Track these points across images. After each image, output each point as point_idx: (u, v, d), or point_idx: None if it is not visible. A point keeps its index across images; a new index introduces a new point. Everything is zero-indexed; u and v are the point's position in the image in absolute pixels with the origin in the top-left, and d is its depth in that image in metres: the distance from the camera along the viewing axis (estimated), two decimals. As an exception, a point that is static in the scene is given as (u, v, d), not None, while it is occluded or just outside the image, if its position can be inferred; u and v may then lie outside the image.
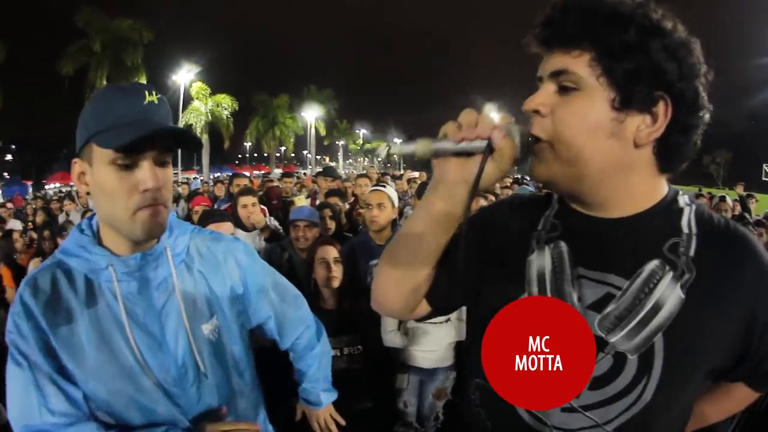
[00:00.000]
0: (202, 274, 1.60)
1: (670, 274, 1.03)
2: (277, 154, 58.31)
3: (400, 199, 5.13)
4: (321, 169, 10.31)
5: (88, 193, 1.42)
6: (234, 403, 1.65)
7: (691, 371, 1.06)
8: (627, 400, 1.04)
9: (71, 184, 42.45)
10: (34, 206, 14.32)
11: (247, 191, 5.08)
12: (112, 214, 1.38)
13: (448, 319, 3.50)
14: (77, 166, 1.40)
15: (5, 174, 70.30)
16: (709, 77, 1.02)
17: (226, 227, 3.31)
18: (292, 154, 66.75)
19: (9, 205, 15.10)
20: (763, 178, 39.94)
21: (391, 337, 3.47)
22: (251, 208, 4.78)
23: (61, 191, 29.26)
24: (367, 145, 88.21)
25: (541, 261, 1.13)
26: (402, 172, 18.62)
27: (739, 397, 1.29)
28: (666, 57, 0.97)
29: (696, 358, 1.04)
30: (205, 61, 39.65)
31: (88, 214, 1.60)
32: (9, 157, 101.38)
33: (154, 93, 1.37)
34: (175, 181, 24.99)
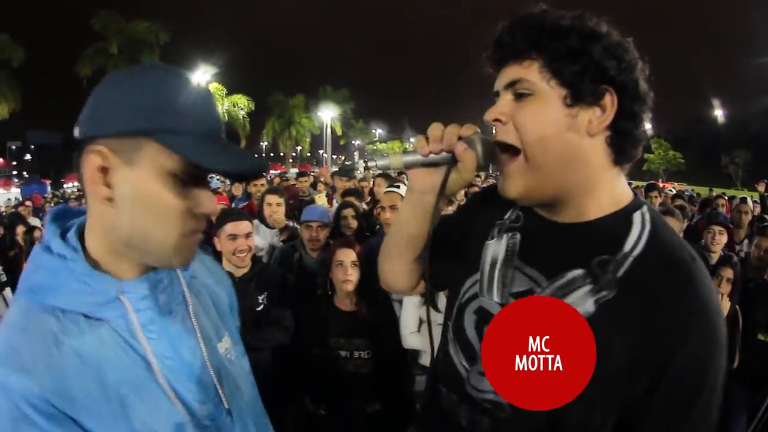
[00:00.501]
0: (207, 293, 1.37)
1: (589, 287, 1.08)
2: (293, 154, 58.48)
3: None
4: (336, 169, 10.31)
5: (110, 199, 0.99)
6: (259, 423, 1.42)
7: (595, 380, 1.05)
8: None
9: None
10: (52, 204, 14.48)
11: (274, 190, 5.23)
12: (150, 236, 1.02)
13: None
14: (99, 157, 0.96)
15: (24, 173, 71.29)
16: (646, 70, 1.14)
17: (244, 225, 3.33)
18: (308, 154, 67.00)
19: (28, 203, 15.36)
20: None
21: (410, 339, 3.44)
22: (275, 207, 4.92)
23: (79, 190, 29.75)
24: (380, 145, 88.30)
25: (496, 248, 1.27)
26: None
27: None
28: (606, 56, 1.08)
29: (599, 369, 1.03)
30: (221, 62, 40.01)
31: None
32: (28, 156, 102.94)
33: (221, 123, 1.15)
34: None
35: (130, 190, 0.98)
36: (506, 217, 1.31)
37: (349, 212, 4.76)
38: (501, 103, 1.16)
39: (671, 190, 14.93)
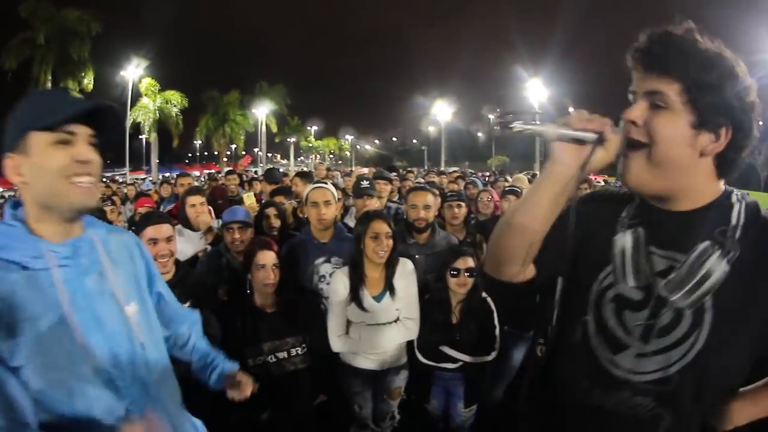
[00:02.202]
0: (121, 262, 1.78)
1: (718, 252, 1.35)
2: (228, 153, 57.42)
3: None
4: (268, 168, 10.16)
5: (24, 183, 1.53)
6: (164, 382, 1.83)
7: (734, 327, 1.37)
8: (684, 347, 1.39)
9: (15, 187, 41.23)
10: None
11: (194, 191, 5.05)
12: (50, 187, 1.52)
13: (397, 319, 3.50)
14: (11, 161, 1.52)
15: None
16: (760, 112, 1.38)
17: (165, 229, 3.23)
18: (243, 152, 65.93)
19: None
20: None
21: (338, 342, 3.45)
22: (199, 208, 4.75)
23: (3, 196, 28.39)
24: (315, 142, 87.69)
25: (623, 240, 1.50)
26: (352, 168, 19.11)
27: None
28: (735, 97, 1.32)
29: (738, 316, 1.36)
30: (154, 55, 38.68)
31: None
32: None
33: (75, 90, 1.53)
34: (123, 182, 24.51)
35: (31, 169, 1.51)
36: (623, 215, 1.54)
37: (271, 211, 4.65)
38: (639, 108, 1.39)
39: (599, 182, 15.50)
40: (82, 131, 1.56)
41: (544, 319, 4.19)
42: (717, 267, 1.35)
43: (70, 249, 1.59)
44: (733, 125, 1.34)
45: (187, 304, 3.22)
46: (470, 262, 3.58)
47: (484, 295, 3.68)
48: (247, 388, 2.23)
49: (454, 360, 3.57)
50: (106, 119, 1.62)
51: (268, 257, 3.28)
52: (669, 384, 1.41)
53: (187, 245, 4.40)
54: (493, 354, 3.61)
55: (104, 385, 1.57)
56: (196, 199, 4.78)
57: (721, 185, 1.45)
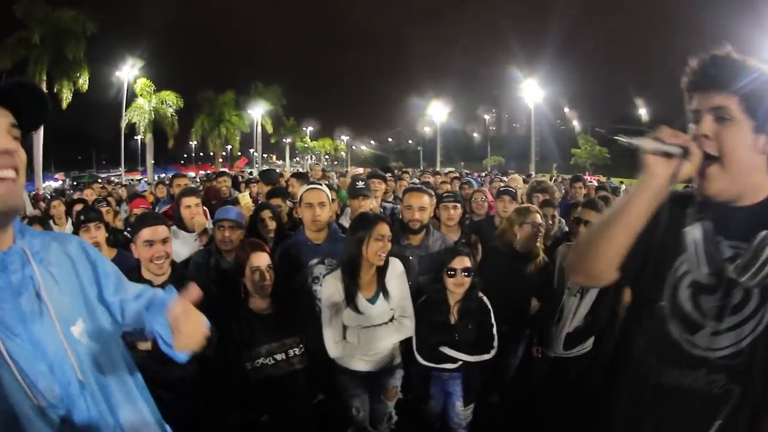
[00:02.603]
0: (61, 275, 1.51)
1: None
2: (224, 153, 57.36)
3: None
4: (264, 169, 10.08)
5: None
6: (122, 411, 1.57)
7: None
8: (754, 321, 1.61)
9: None
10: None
11: (189, 192, 5.03)
12: None
13: (392, 319, 3.51)
14: None
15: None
16: None
17: (161, 230, 3.22)
18: (239, 153, 65.79)
19: None
20: None
21: (336, 348, 3.44)
22: (194, 209, 4.73)
23: None
24: (311, 142, 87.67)
25: (695, 232, 1.68)
26: (347, 169, 19.26)
27: None
28: None
29: None
30: (149, 55, 38.65)
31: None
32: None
33: None
34: (117, 183, 24.48)
35: None
36: (689, 210, 1.72)
37: (266, 214, 4.63)
38: (706, 124, 1.61)
39: (591, 182, 15.62)
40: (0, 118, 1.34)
41: (539, 321, 4.27)
42: None
43: None
44: None
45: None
46: (467, 262, 3.59)
47: (480, 294, 3.69)
48: (193, 292, 1.67)
49: (454, 360, 3.58)
50: (31, 101, 1.42)
51: (261, 259, 3.27)
52: (741, 356, 1.63)
53: (183, 247, 4.39)
54: (492, 353, 3.62)
55: (50, 426, 1.34)
56: (191, 200, 4.75)
57: None
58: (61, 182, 44.85)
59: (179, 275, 3.34)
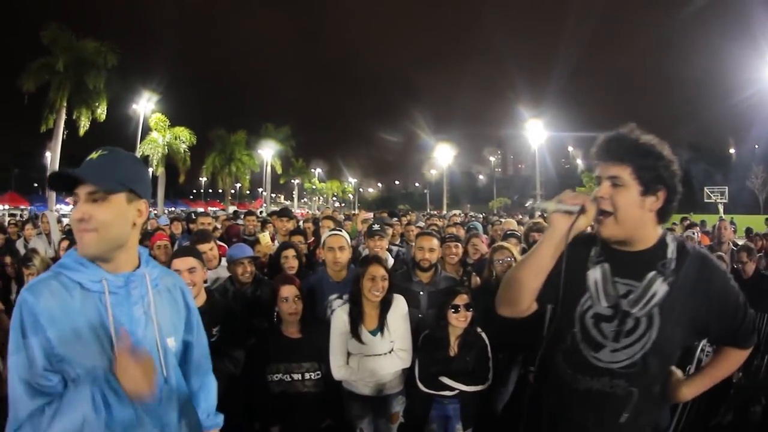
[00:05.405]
0: (167, 301, 2.08)
1: (661, 278, 2.02)
2: (232, 191, 57.55)
3: (353, 238, 5.69)
4: (277, 209, 10.33)
5: None
6: (185, 411, 2.10)
7: (674, 325, 2.05)
8: (643, 341, 2.05)
9: (22, 206, 41.07)
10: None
11: (203, 238, 5.28)
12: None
13: (392, 350, 3.93)
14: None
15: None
16: (681, 175, 2.08)
17: (186, 261, 3.65)
18: (248, 191, 66.16)
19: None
20: (705, 200, 43.02)
21: (340, 372, 3.85)
22: (209, 254, 5.04)
23: (12, 214, 28.36)
24: (319, 185, 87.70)
25: (596, 273, 2.12)
26: (355, 211, 19.66)
27: (732, 356, 2.26)
28: (665, 171, 2.03)
29: (675, 318, 2.04)
30: (164, 89, 39.27)
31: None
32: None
33: (99, 151, 1.89)
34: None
35: None
36: (592, 254, 2.16)
37: (290, 253, 5.18)
38: (605, 188, 2.06)
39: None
40: (82, 191, 1.83)
41: (534, 350, 4.58)
42: (660, 288, 2.01)
43: (123, 280, 1.90)
44: (666, 188, 2.04)
45: (216, 329, 3.67)
46: (467, 299, 4.01)
47: (478, 329, 4.09)
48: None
49: (452, 388, 3.95)
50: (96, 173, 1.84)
51: (290, 291, 3.81)
52: (635, 366, 2.07)
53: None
54: (487, 383, 4.00)
55: (131, 405, 1.84)
56: (205, 247, 4.99)
57: (660, 230, 2.14)
58: (72, 206, 44.63)
59: (214, 302, 3.85)
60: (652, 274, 2.03)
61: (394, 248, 6.97)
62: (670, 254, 2.07)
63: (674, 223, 15.21)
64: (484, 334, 4.12)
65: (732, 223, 12.53)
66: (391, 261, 5.65)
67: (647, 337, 2.05)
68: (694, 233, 9.32)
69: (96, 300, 1.83)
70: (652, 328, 2.05)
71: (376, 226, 5.56)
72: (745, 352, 2.26)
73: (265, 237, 6.61)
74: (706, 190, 44.12)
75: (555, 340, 2.27)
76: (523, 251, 5.25)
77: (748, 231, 14.20)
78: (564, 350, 2.24)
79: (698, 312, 2.07)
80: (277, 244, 6.51)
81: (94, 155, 1.87)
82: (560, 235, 2.08)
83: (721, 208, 36.28)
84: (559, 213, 2.08)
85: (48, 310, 1.73)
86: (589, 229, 2.24)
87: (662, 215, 2.09)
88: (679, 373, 2.29)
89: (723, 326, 2.13)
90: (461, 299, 4.02)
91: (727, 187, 43.58)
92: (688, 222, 11.67)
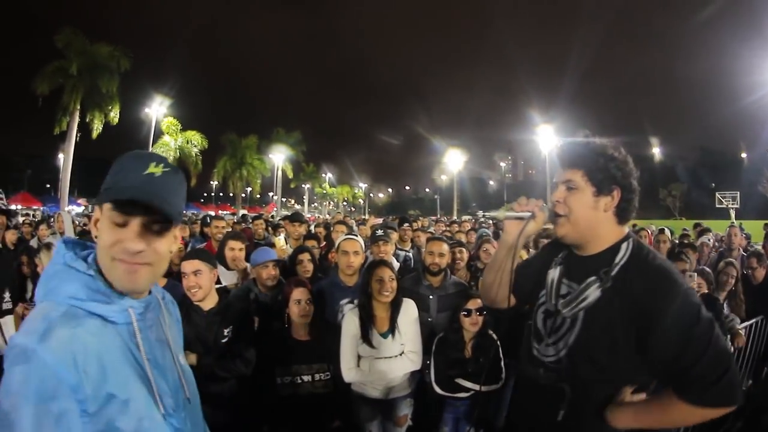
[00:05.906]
0: (172, 319, 1.93)
1: (597, 283, 2.05)
2: (243, 195, 57.70)
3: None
4: (289, 213, 10.44)
5: (97, 238, 1.57)
6: (204, 428, 2.00)
7: (602, 333, 1.99)
8: (564, 340, 2.11)
9: (35, 207, 41.30)
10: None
11: (236, 236, 5.64)
12: (101, 258, 1.55)
13: (402, 353, 3.96)
14: (96, 212, 1.59)
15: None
16: (637, 174, 2.15)
17: (192, 264, 3.68)
18: (258, 195, 66.28)
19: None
20: (717, 206, 42.74)
21: (350, 374, 3.88)
22: (238, 253, 5.37)
23: (27, 214, 28.37)
24: (330, 189, 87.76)
25: (553, 273, 2.26)
26: (365, 217, 19.66)
27: (675, 406, 1.88)
28: (617, 171, 2.09)
29: (604, 325, 1.99)
30: (176, 93, 39.52)
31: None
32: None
33: (160, 165, 1.58)
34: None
35: (99, 232, 1.56)
36: (559, 256, 2.29)
37: (305, 257, 5.26)
38: (560, 192, 2.15)
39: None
40: (136, 220, 1.53)
41: None
42: (593, 293, 2.04)
43: (144, 305, 1.64)
44: (621, 187, 2.09)
45: (228, 330, 3.71)
46: (479, 303, 4.07)
47: (490, 331, 4.16)
48: None
49: (467, 389, 4.01)
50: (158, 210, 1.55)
51: (302, 294, 3.87)
52: (561, 363, 2.12)
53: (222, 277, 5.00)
54: (501, 382, 4.06)
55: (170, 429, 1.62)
56: (236, 244, 5.39)
57: (624, 229, 2.17)
58: (83, 208, 45.64)
59: (227, 303, 3.88)
60: (591, 279, 2.08)
61: (402, 253, 7.06)
62: (617, 259, 2.05)
63: (684, 229, 15.30)
64: (495, 336, 4.19)
65: (742, 229, 12.28)
66: (396, 265, 5.70)
67: (567, 337, 2.12)
68: (709, 240, 9.28)
69: (121, 333, 1.55)
70: (573, 330, 2.10)
71: (379, 232, 5.70)
72: (693, 409, 1.83)
73: (280, 241, 6.70)
74: (717, 195, 43.82)
75: (526, 331, 2.43)
76: None
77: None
78: (523, 340, 2.40)
79: (637, 329, 1.90)
80: (290, 248, 6.58)
81: (155, 169, 1.57)
82: (511, 239, 2.30)
83: (732, 213, 36.02)
84: (511, 219, 2.28)
85: (75, 366, 1.37)
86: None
87: (621, 214, 2.13)
88: (627, 393, 2.03)
89: (665, 357, 1.85)
90: (474, 303, 4.09)
91: (738, 192, 43.18)
92: (700, 228, 11.55)
